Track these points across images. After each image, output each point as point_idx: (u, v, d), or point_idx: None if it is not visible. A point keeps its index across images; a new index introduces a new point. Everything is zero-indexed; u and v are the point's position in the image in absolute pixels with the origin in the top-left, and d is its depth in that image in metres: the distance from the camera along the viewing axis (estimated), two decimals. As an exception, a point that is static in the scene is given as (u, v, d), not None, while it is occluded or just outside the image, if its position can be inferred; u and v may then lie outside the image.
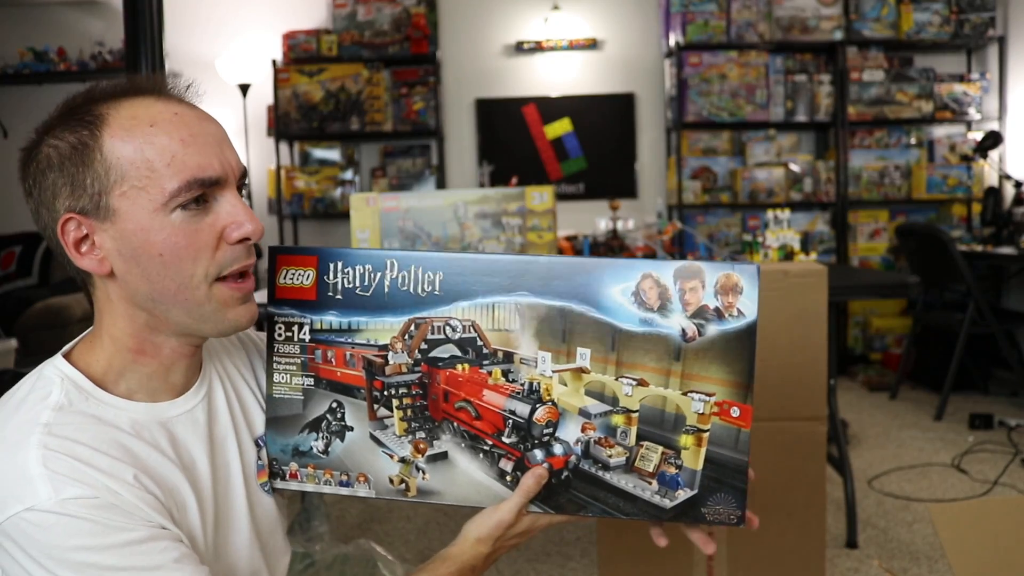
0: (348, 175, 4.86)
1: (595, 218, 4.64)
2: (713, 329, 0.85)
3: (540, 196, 2.29)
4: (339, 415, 0.92)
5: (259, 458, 0.95)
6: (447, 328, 0.90)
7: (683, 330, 0.85)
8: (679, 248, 4.44)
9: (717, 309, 0.85)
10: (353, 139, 4.94)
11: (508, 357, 0.89)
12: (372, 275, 0.90)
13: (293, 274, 0.91)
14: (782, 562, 1.80)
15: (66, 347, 0.86)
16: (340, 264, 0.90)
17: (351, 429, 0.92)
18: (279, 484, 0.93)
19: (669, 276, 0.86)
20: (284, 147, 4.89)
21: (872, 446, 3.36)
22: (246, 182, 0.86)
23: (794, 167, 4.79)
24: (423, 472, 0.91)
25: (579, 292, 0.87)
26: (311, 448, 0.92)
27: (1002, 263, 4.27)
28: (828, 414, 2.43)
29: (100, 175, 0.77)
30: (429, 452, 0.91)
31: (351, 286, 0.90)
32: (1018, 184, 4.20)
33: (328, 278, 0.91)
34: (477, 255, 0.90)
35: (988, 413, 3.57)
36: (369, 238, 2.28)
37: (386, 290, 0.90)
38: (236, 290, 0.82)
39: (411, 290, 0.89)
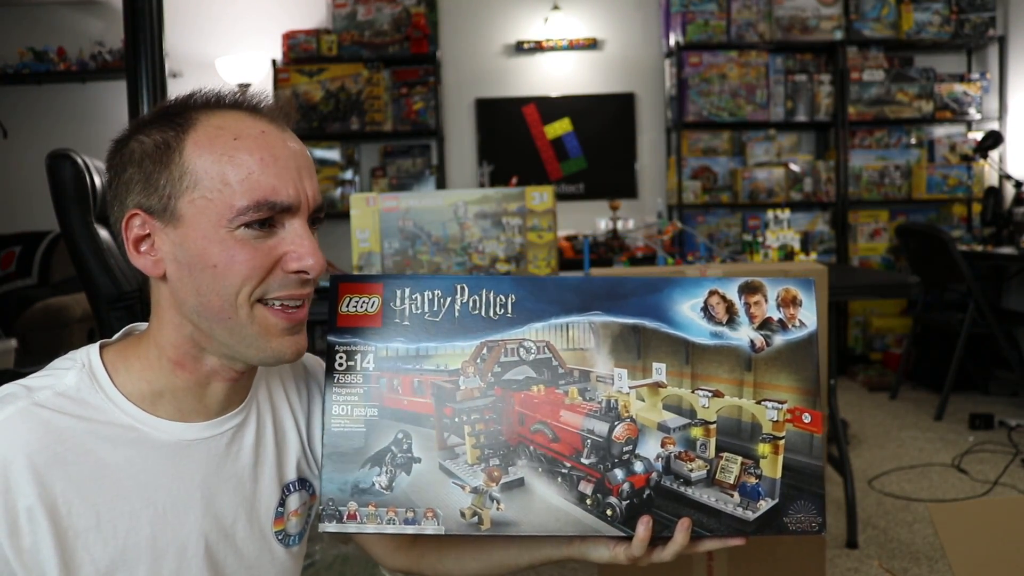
0: (348, 175, 4.87)
1: (595, 218, 4.65)
2: (779, 339, 0.89)
3: (540, 196, 2.29)
4: (405, 446, 0.87)
5: (280, 505, 0.91)
6: (521, 350, 0.88)
7: (752, 341, 0.89)
8: (679, 248, 4.44)
9: (781, 320, 0.89)
10: (353, 139, 4.94)
11: (584, 376, 0.88)
12: (441, 300, 0.88)
13: (357, 302, 0.89)
14: (782, 562, 1.80)
15: (112, 338, 0.87)
16: (408, 291, 0.89)
17: (418, 460, 0.87)
18: (334, 527, 0.86)
19: (734, 291, 0.90)
20: (284, 147, 4.89)
21: (872, 446, 3.36)
22: (321, 216, 0.83)
23: (794, 167, 4.79)
24: (498, 502, 0.86)
25: (650, 309, 0.89)
26: (373, 484, 0.86)
27: (1002, 263, 4.27)
28: (828, 414, 2.44)
29: (175, 178, 0.77)
30: (504, 479, 0.86)
31: (419, 312, 0.88)
32: (1018, 184, 4.20)
33: (395, 304, 0.88)
34: (548, 277, 0.91)
35: (988, 413, 3.57)
36: (369, 238, 2.28)
37: (456, 315, 0.88)
38: (281, 318, 0.79)
39: (483, 313, 0.88)
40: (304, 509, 0.95)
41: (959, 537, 1.11)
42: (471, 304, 0.89)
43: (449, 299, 0.89)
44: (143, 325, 0.87)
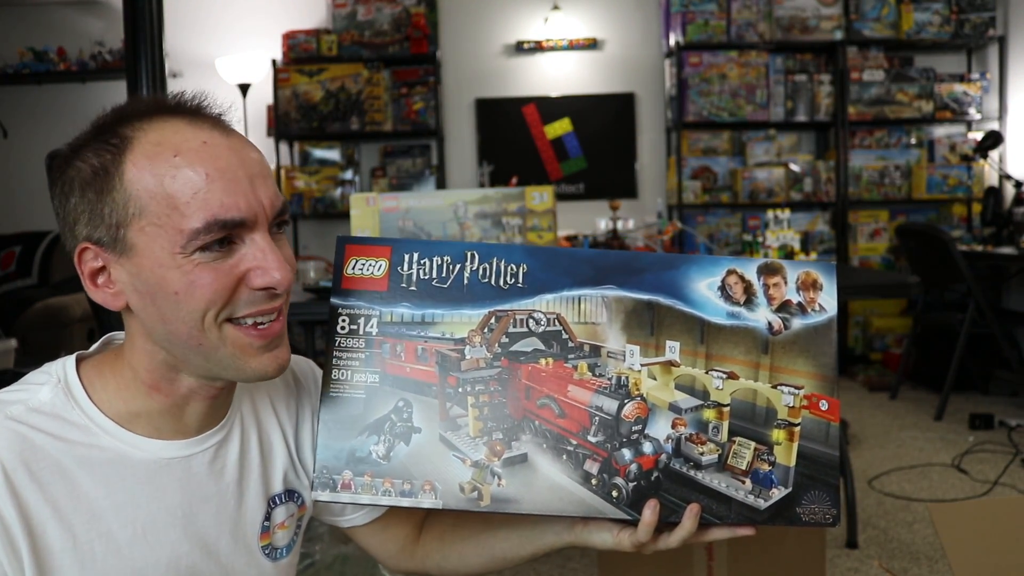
0: (348, 175, 4.87)
1: (595, 218, 4.64)
2: (797, 323, 0.86)
3: (540, 196, 2.30)
4: (405, 415, 0.84)
5: (266, 519, 0.88)
6: (530, 321, 0.85)
7: (769, 323, 0.86)
8: (679, 248, 4.44)
9: (800, 304, 0.86)
10: (353, 139, 4.94)
11: (595, 351, 0.86)
12: (451, 267, 0.85)
13: (363, 264, 0.85)
14: (782, 562, 1.80)
15: (89, 350, 0.84)
16: (416, 255, 0.85)
17: (418, 430, 0.83)
18: (327, 496, 0.82)
19: (753, 272, 0.87)
20: (284, 147, 4.90)
21: (872, 446, 3.36)
22: (286, 219, 0.79)
23: (794, 167, 4.79)
24: (499, 478, 0.82)
25: (666, 286, 0.86)
26: (370, 453, 0.83)
27: (1002, 263, 4.27)
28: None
29: (119, 206, 0.72)
30: (507, 454, 0.83)
31: (427, 277, 0.85)
32: (1018, 184, 4.20)
33: (402, 269, 0.85)
34: (562, 248, 0.88)
35: (988, 413, 3.57)
36: (369, 238, 2.28)
37: (465, 282, 0.85)
38: (255, 336, 0.75)
39: (492, 282, 0.85)
40: (291, 521, 0.92)
41: (959, 537, 1.11)
42: (481, 272, 0.85)
43: (459, 266, 0.85)
44: (122, 334, 0.83)
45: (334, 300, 0.85)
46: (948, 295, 4.31)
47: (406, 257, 0.85)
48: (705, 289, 0.86)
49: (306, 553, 2.12)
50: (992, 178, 4.67)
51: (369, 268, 0.85)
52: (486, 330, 0.85)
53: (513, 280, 0.86)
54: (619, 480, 0.84)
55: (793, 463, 0.84)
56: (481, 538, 0.97)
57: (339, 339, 0.84)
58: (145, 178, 0.71)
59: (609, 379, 0.85)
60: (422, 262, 0.86)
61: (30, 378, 0.79)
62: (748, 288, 0.86)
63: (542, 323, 0.85)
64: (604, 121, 4.97)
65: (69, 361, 0.80)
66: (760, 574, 1.79)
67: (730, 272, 0.86)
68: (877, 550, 2.40)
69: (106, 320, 1.99)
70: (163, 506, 0.79)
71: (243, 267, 0.74)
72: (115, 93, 4.86)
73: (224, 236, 0.72)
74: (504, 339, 0.85)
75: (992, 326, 3.70)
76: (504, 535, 0.95)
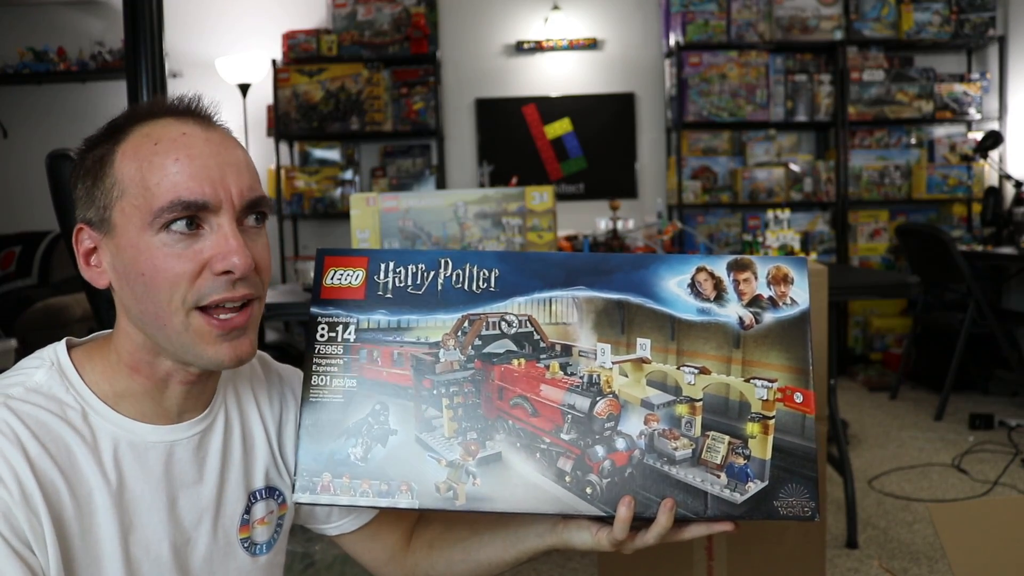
0: (348, 175, 4.87)
1: (595, 218, 4.64)
2: (769, 317, 0.87)
3: (540, 196, 2.29)
4: (382, 417, 0.86)
5: (245, 512, 0.90)
6: (503, 323, 0.87)
7: (740, 318, 0.86)
8: (679, 248, 4.44)
9: (771, 298, 0.87)
10: (353, 139, 4.94)
11: (566, 350, 0.87)
12: (425, 274, 0.89)
13: (341, 275, 0.89)
14: (782, 562, 1.80)
15: (82, 339, 0.87)
16: (392, 264, 0.89)
17: (395, 432, 0.85)
18: (307, 498, 0.85)
19: (723, 268, 0.88)
20: (284, 147, 4.90)
21: (872, 446, 3.36)
22: (263, 211, 0.82)
23: (794, 167, 4.79)
24: (474, 477, 0.84)
25: (636, 285, 0.87)
26: (348, 455, 0.85)
27: (1002, 263, 4.27)
28: (828, 414, 2.43)
29: (107, 189, 0.78)
30: (481, 454, 0.85)
31: (402, 285, 0.88)
32: (1018, 184, 4.20)
33: (378, 278, 0.88)
34: (532, 252, 0.90)
35: (988, 413, 3.57)
36: (369, 238, 2.28)
37: (439, 288, 0.88)
38: (215, 325, 0.78)
39: (465, 287, 0.88)
40: (272, 518, 0.93)
41: (959, 537, 1.11)
42: (454, 278, 0.88)
43: (433, 273, 0.89)
44: (108, 332, 0.88)
45: (314, 309, 0.88)
46: (948, 295, 4.31)
47: (382, 266, 0.89)
48: (675, 287, 0.88)
49: (306, 553, 2.12)
50: (992, 178, 4.67)
51: (347, 278, 0.89)
52: (459, 333, 0.87)
53: (485, 284, 0.88)
54: (593, 477, 0.85)
55: (768, 456, 0.84)
56: (467, 544, 0.98)
57: (318, 346, 0.88)
58: (129, 164, 0.78)
59: (581, 377, 0.87)
60: (397, 270, 0.89)
61: (24, 363, 0.83)
62: (718, 284, 0.87)
63: (514, 325, 0.88)
64: (604, 121, 4.97)
65: (59, 345, 0.84)
66: (760, 574, 1.79)
67: (699, 269, 0.88)
68: (877, 550, 2.40)
69: (106, 320, 1.99)
70: (147, 488, 0.82)
71: (207, 253, 0.77)
72: (115, 93, 4.86)
73: (189, 218, 0.77)
74: (477, 342, 0.87)
75: (992, 326, 3.70)
76: (488, 539, 0.96)
